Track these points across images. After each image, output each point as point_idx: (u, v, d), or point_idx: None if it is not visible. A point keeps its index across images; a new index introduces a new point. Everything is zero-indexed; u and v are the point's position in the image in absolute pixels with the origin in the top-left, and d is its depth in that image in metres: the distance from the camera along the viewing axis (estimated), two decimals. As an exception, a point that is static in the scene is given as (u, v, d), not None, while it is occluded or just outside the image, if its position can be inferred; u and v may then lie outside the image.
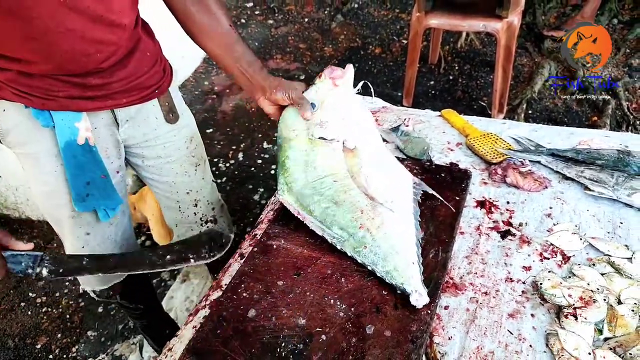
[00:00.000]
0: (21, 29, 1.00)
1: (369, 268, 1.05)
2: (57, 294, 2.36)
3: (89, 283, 1.49)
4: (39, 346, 2.13)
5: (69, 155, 1.18)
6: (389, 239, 1.06)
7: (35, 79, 1.10)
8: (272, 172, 3.02)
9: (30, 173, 1.26)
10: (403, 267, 1.01)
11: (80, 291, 2.35)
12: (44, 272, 0.95)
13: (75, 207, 1.25)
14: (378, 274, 1.03)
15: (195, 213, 1.52)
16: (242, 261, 1.14)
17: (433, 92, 3.56)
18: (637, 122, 3.04)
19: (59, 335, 2.18)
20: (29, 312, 2.28)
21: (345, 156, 1.17)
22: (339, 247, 1.09)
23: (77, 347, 2.12)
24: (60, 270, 0.97)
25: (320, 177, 1.15)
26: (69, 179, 1.21)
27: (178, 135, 1.40)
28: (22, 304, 2.33)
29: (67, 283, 2.41)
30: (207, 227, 1.54)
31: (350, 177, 1.14)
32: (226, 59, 1.24)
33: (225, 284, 1.10)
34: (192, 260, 1.02)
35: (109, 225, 1.37)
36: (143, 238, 2.56)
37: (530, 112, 3.24)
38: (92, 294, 1.56)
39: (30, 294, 2.37)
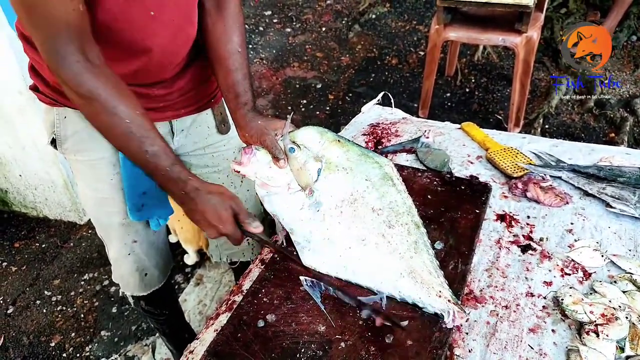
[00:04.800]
0: (110, 39, 1.02)
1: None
2: (72, 293, 2.38)
3: (129, 288, 1.49)
4: (53, 344, 2.16)
5: (127, 165, 1.20)
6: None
7: None
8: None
9: (84, 179, 1.28)
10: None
11: (95, 291, 2.38)
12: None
13: (130, 216, 1.27)
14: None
15: None
16: (262, 267, 1.15)
17: (449, 104, 3.57)
18: (656, 140, 3.02)
19: (73, 334, 2.20)
20: (44, 310, 2.31)
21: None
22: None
23: (90, 346, 2.14)
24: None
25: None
26: (126, 188, 1.23)
27: (227, 146, 1.41)
28: (38, 302, 2.35)
29: (82, 282, 2.43)
30: (247, 240, 1.54)
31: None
32: (221, 80, 1.20)
33: (246, 289, 1.11)
34: None
35: (154, 232, 1.39)
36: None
37: (547, 126, 3.23)
38: (130, 299, 1.58)
39: (46, 292, 2.40)
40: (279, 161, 1.07)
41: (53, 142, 1.23)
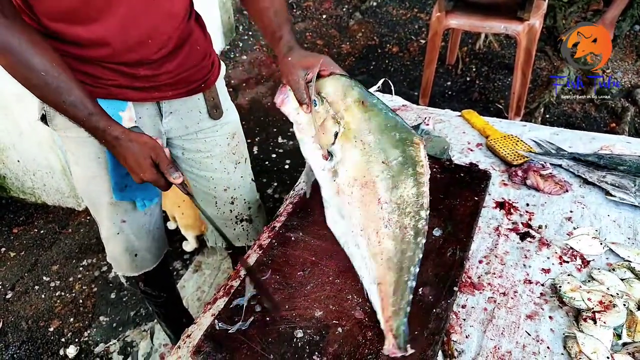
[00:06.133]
0: (82, 10, 1.02)
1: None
2: (71, 279, 2.38)
3: (121, 268, 1.50)
4: (51, 329, 2.16)
5: None
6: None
7: (89, 66, 1.12)
8: (287, 166, 3.03)
9: (74, 157, 1.28)
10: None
11: (94, 277, 2.38)
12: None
13: (113, 196, 1.27)
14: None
15: (231, 210, 1.51)
16: (260, 252, 1.15)
17: (450, 92, 3.55)
18: (657, 130, 3.01)
19: (72, 319, 2.20)
20: (43, 296, 2.31)
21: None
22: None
23: (89, 331, 2.15)
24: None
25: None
26: (110, 167, 1.23)
27: (220, 131, 1.40)
28: (36, 287, 2.36)
29: (80, 268, 2.44)
30: (242, 225, 1.55)
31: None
32: (259, 23, 1.19)
33: (244, 274, 1.11)
34: None
35: (144, 214, 1.39)
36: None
37: (547, 116, 3.22)
38: (122, 279, 1.58)
39: (45, 278, 2.40)
40: (301, 106, 1.04)
41: (43, 119, 1.23)
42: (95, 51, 1.10)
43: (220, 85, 1.40)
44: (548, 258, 1.11)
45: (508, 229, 1.19)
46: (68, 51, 1.08)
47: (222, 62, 1.43)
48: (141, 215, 1.37)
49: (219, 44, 4.11)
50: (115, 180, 1.25)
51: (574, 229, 1.18)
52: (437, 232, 1.12)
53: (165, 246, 1.58)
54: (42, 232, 2.67)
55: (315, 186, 1.11)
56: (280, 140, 3.26)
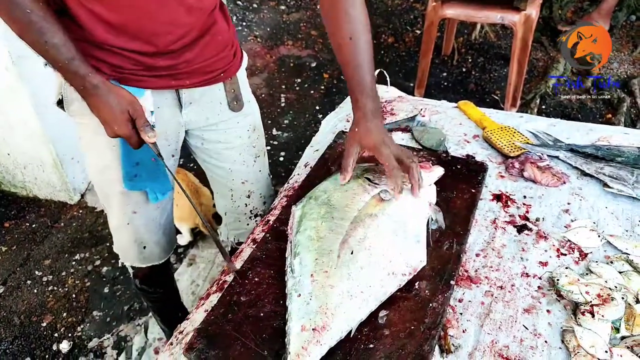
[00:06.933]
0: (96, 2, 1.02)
1: (286, 317, 0.92)
2: (64, 273, 2.36)
3: (128, 258, 1.48)
4: (44, 324, 2.14)
5: None
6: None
7: (105, 53, 1.10)
8: (281, 159, 3.01)
9: (87, 144, 1.27)
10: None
11: (87, 271, 2.36)
12: None
13: (123, 184, 1.25)
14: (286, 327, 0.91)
15: (246, 204, 1.50)
16: (254, 246, 1.13)
17: (445, 83, 3.53)
18: (652, 121, 3.00)
19: (65, 314, 2.19)
20: (35, 291, 2.29)
21: (370, 201, 1.07)
22: (286, 278, 1.00)
23: (82, 326, 2.13)
24: None
25: (330, 206, 1.08)
26: (121, 155, 1.21)
27: (241, 123, 1.37)
28: (29, 282, 2.33)
29: (73, 262, 2.41)
30: (256, 221, 1.52)
31: (352, 222, 1.03)
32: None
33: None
34: None
35: (156, 207, 1.36)
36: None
37: (543, 107, 3.21)
38: (129, 269, 1.56)
39: (37, 272, 2.37)
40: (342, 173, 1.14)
41: (60, 104, 1.21)
42: (110, 39, 1.08)
43: (242, 76, 1.37)
44: (545, 251, 1.09)
45: (505, 221, 1.18)
46: (84, 36, 1.07)
47: (245, 54, 1.39)
48: (153, 208, 1.35)
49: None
50: (126, 169, 1.23)
51: (572, 221, 1.16)
52: (433, 226, 1.11)
53: (175, 242, 1.56)
54: (33, 226, 2.64)
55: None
56: (274, 132, 3.24)
